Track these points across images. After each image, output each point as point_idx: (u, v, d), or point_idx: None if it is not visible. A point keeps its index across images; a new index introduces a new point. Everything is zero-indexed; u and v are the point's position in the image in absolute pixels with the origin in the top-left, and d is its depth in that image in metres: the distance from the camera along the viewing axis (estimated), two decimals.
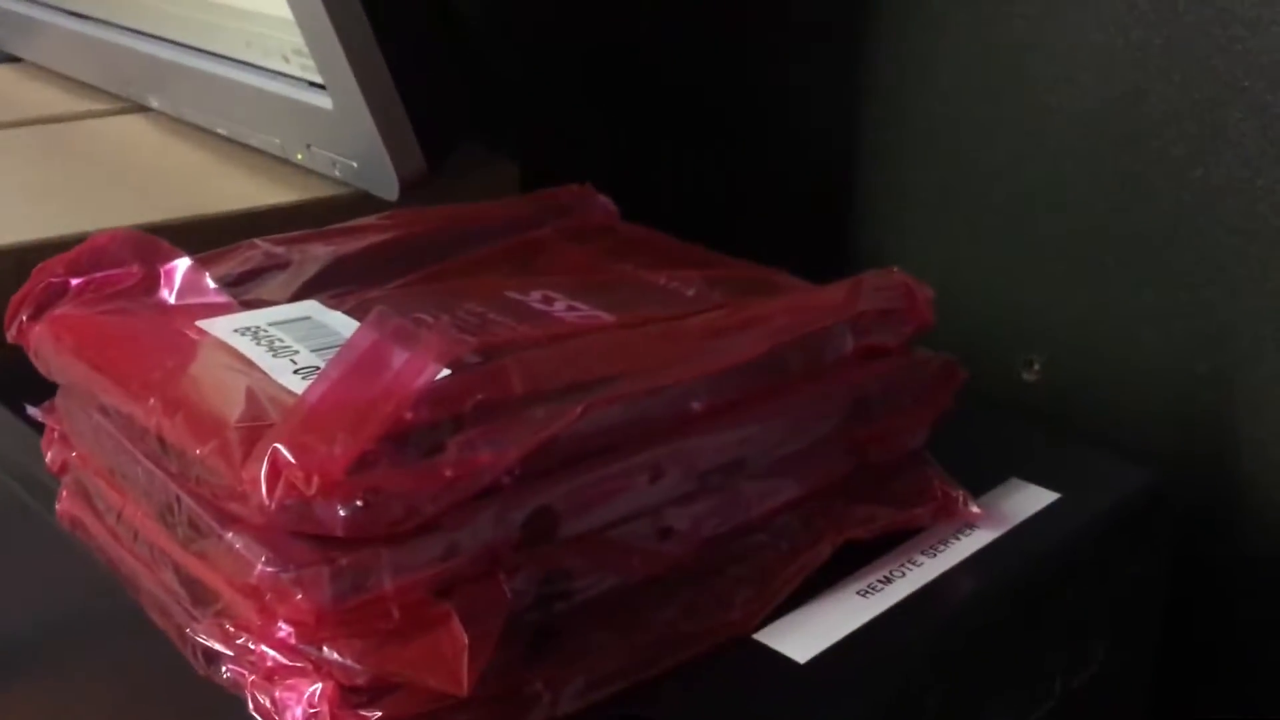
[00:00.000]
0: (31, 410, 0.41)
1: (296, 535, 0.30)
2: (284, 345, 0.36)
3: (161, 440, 0.33)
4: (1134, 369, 0.56)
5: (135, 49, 0.61)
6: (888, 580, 0.39)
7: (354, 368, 0.30)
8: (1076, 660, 0.43)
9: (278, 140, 0.54)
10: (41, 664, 0.48)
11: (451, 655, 0.30)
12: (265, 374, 0.34)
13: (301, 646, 0.30)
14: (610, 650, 0.34)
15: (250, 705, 0.31)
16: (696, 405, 0.35)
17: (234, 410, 0.32)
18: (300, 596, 0.29)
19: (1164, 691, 0.52)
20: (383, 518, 0.30)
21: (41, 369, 0.39)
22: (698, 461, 0.36)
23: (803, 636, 0.36)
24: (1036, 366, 0.60)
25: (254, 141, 0.56)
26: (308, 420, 0.29)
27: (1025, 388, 0.60)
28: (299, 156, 0.53)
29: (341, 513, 0.28)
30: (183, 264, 0.39)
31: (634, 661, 0.34)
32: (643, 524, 0.35)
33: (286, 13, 0.48)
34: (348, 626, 0.30)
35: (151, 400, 0.33)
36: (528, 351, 0.34)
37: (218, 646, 0.32)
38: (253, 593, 0.30)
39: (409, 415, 0.29)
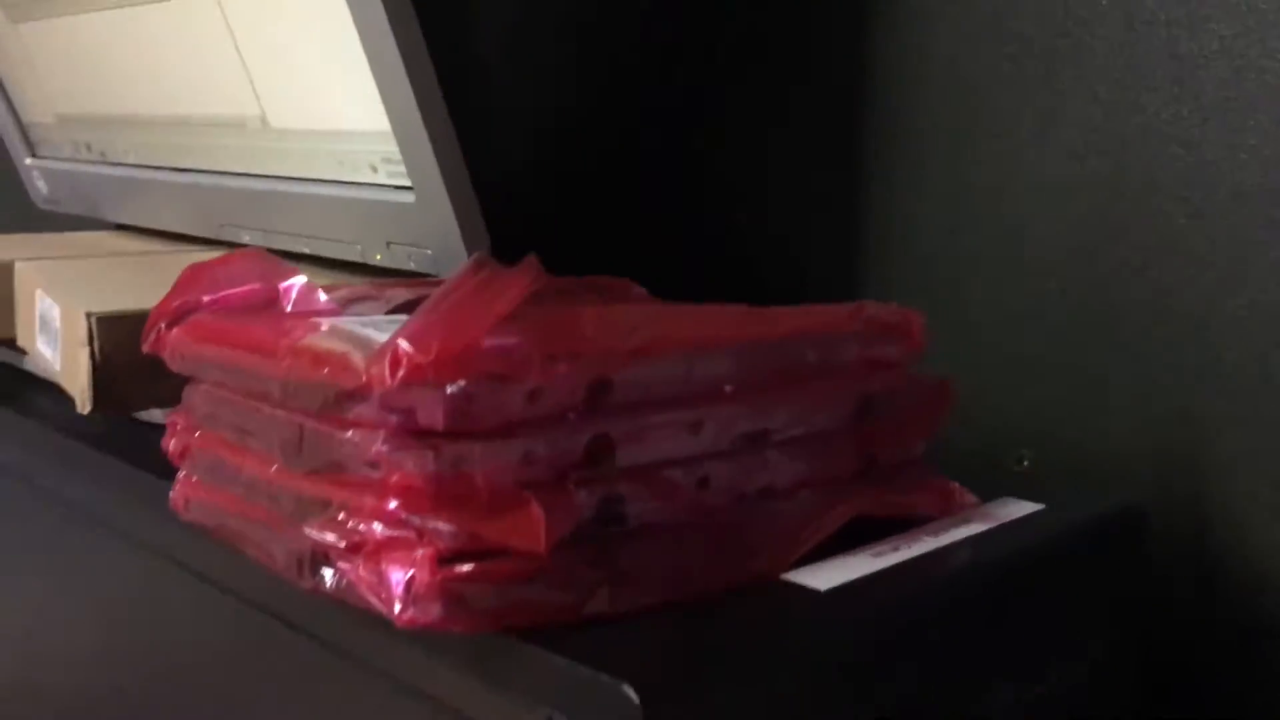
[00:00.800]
0: (160, 413, 0.48)
1: (406, 432, 0.37)
2: (390, 324, 0.43)
3: (288, 383, 0.40)
4: (1113, 452, 0.63)
5: (234, 189, 0.71)
6: (896, 549, 0.44)
7: (457, 293, 0.37)
8: (1069, 652, 0.48)
9: (359, 246, 0.63)
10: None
11: (531, 525, 0.36)
12: (375, 336, 0.41)
13: (406, 516, 0.36)
14: (658, 572, 0.40)
15: (358, 586, 0.37)
16: (730, 372, 0.42)
17: (352, 350, 0.39)
18: (410, 465, 0.35)
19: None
20: (477, 418, 0.36)
21: (175, 366, 0.47)
22: (731, 425, 0.42)
23: (823, 575, 0.42)
24: (1026, 463, 0.66)
25: (336, 253, 0.65)
26: (420, 325, 0.36)
27: (1017, 480, 0.66)
28: (378, 257, 0.62)
29: (449, 391, 0.35)
30: (298, 281, 0.47)
31: (678, 583, 0.40)
32: (685, 471, 0.41)
33: (379, 126, 0.58)
34: (446, 502, 0.36)
35: (281, 355, 0.41)
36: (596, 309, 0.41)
37: (329, 538, 0.38)
38: (369, 473, 0.37)
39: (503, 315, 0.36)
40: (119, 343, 0.57)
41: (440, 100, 0.55)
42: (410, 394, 0.36)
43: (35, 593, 0.65)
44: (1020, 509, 0.49)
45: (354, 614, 0.42)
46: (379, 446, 0.36)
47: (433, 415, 0.36)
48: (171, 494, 0.47)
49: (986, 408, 0.68)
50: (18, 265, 0.68)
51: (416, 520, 0.36)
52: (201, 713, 0.52)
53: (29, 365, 0.74)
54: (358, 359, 0.38)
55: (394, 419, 0.37)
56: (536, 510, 0.36)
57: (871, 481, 0.46)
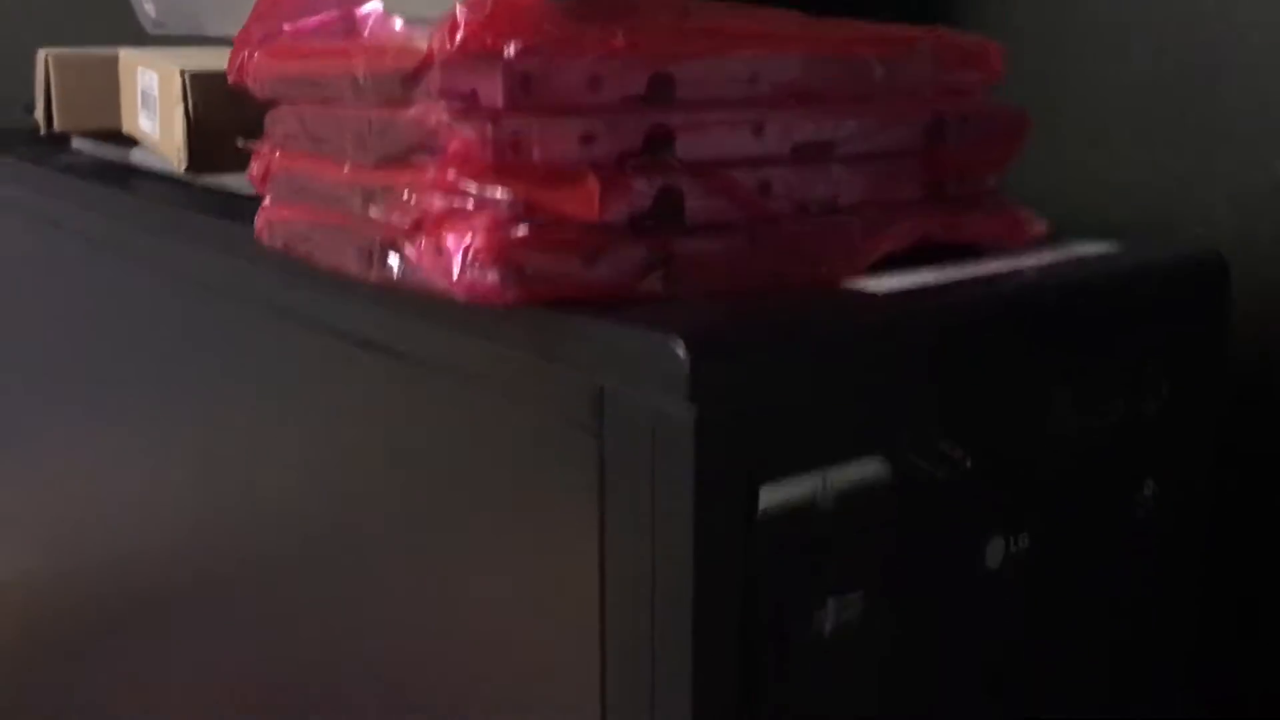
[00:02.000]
0: (242, 143, 0.50)
1: (466, 109, 0.37)
2: None
3: (358, 79, 0.41)
4: (1208, 235, 0.61)
5: None
6: (961, 268, 0.44)
7: None
8: (1138, 390, 0.47)
9: None
10: None
11: (587, 194, 0.36)
12: None
13: (465, 186, 0.37)
14: (714, 265, 0.40)
15: (420, 263, 0.38)
16: (795, 79, 0.42)
17: (416, 35, 0.40)
18: (469, 132, 0.36)
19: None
20: (536, 97, 0.37)
21: (258, 92, 0.48)
22: (794, 131, 0.42)
23: (883, 282, 0.42)
24: None
25: None
26: None
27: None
28: None
29: (507, 55, 0.36)
30: (375, 8, 0.48)
31: (733, 276, 0.40)
32: (746, 172, 0.41)
33: None
34: (504, 171, 0.37)
35: (352, 54, 0.42)
36: None
37: (394, 218, 0.39)
38: (432, 144, 0.38)
39: None
40: (212, 101, 0.59)
41: None
42: (470, 71, 0.37)
43: (145, 360, 0.68)
44: (1094, 248, 0.48)
45: (417, 310, 0.43)
46: (439, 117, 0.37)
47: (492, 91, 0.37)
48: (256, 223, 0.49)
49: (1082, 189, 0.66)
50: (122, 51, 0.70)
51: (475, 189, 0.37)
52: (288, 436, 0.55)
53: (134, 158, 0.77)
54: (420, 40, 0.38)
55: (457, 103, 0.38)
56: (593, 180, 0.37)
57: (939, 206, 0.46)
